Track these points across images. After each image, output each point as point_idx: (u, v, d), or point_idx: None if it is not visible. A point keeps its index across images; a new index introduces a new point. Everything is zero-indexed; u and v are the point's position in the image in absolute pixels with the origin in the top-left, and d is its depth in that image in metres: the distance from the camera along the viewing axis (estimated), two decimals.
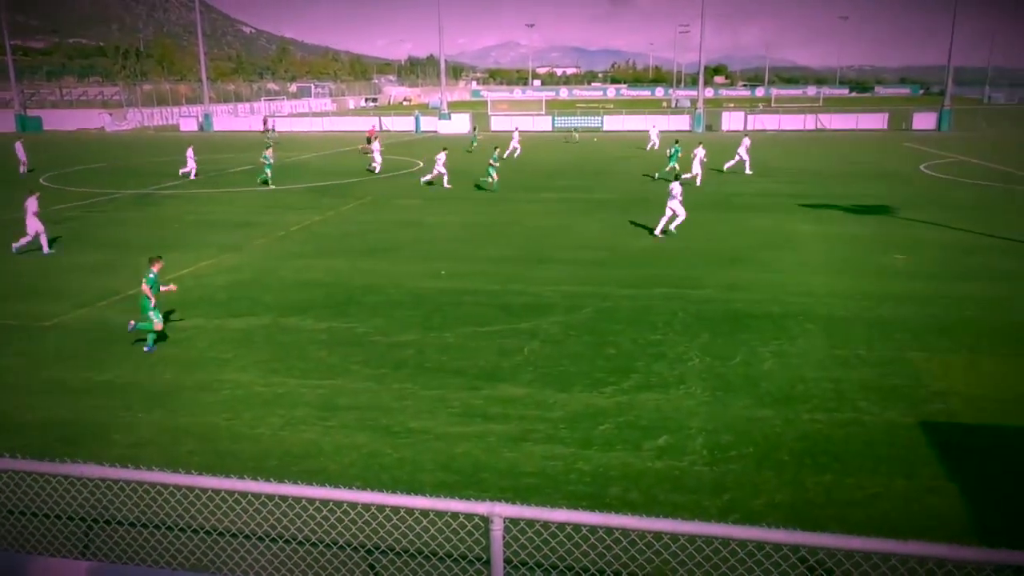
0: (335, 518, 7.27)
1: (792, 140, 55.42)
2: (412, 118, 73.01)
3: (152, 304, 12.98)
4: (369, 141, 44.37)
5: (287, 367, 12.37)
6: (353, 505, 7.25)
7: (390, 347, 13.23)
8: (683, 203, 21.88)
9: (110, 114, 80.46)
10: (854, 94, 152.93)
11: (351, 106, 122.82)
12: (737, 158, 36.21)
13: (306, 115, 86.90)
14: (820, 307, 15.08)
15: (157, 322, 13.08)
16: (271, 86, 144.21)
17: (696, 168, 32.05)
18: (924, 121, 63.88)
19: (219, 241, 22.31)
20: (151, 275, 13.03)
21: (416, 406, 10.80)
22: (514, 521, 6.83)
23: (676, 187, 21.84)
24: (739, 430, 9.86)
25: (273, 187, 33.26)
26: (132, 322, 13.37)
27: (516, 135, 46.49)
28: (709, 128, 64.61)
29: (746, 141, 36.55)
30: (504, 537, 4.44)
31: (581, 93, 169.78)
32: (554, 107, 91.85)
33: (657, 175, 34.84)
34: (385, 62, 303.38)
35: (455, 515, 7.26)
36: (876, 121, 65.69)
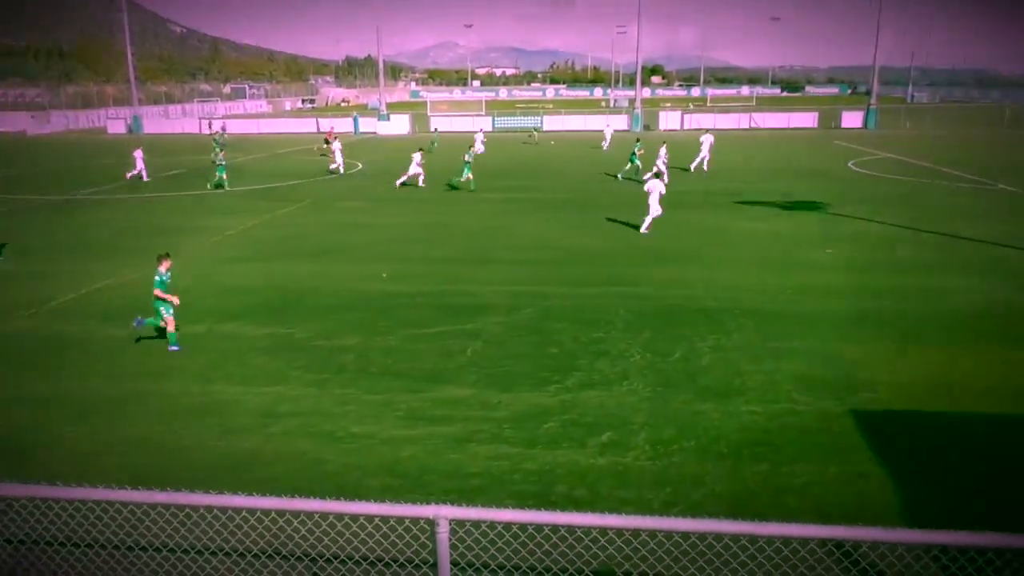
0: (277, 528, 7.18)
1: (727, 139, 56.54)
2: (351, 119, 72.26)
3: (165, 299, 13.06)
4: (327, 142, 44.12)
5: (225, 375, 12.14)
6: (296, 514, 7.17)
7: (332, 352, 13.10)
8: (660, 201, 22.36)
9: (32, 116, 77.58)
10: (786, 93, 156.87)
11: (287, 107, 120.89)
12: (700, 156, 37.06)
13: (253, 116, 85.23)
14: (755, 302, 15.47)
15: (169, 318, 13.10)
16: (204, 87, 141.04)
17: (661, 167, 32.34)
18: (852, 120, 66.03)
19: (151, 247, 21.71)
20: (159, 275, 13.02)
21: (359, 411, 10.72)
22: (460, 523, 6.86)
23: (657, 184, 22.49)
24: (680, 424, 10.06)
25: (228, 189, 32.65)
26: (139, 318, 13.34)
27: (480, 136, 46.62)
28: (647, 128, 65.55)
29: (708, 138, 37.41)
30: (451, 539, 4.45)
31: (521, 93, 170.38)
32: (494, 107, 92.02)
33: (620, 176, 35.28)
34: (322, 63, 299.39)
35: (400, 520, 7.24)
36: (807, 120, 67.62)
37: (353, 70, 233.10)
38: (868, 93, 73.65)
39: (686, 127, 65.98)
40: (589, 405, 10.73)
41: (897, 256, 19.37)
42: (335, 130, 54.63)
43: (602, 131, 52.73)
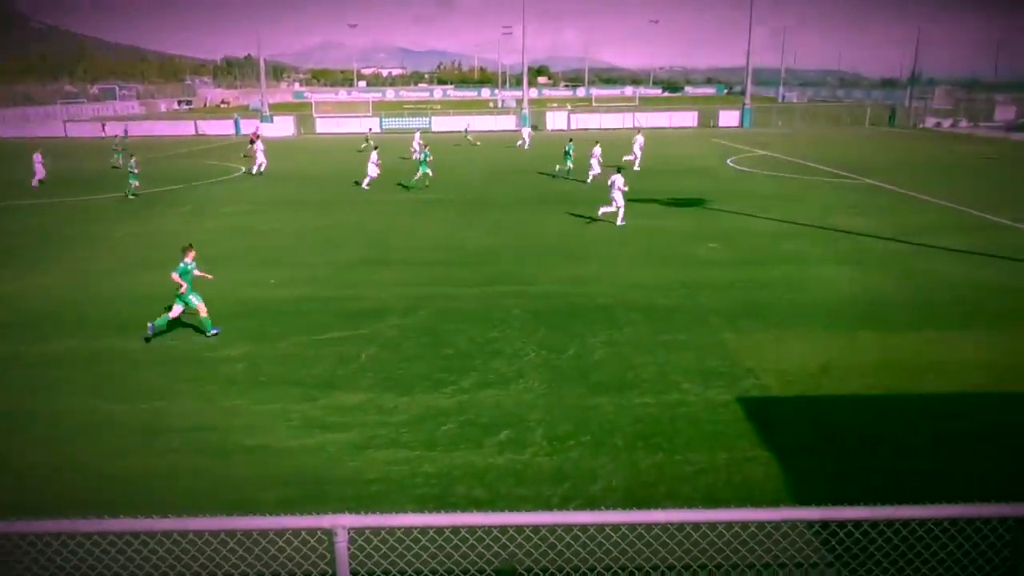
0: (164, 550, 6.85)
1: (612, 139, 57.99)
2: (231, 121, 69.81)
3: (183, 290, 13.63)
4: (252, 143, 43.43)
5: (106, 391, 11.49)
6: (184, 533, 6.86)
7: (219, 362, 12.62)
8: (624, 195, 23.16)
9: None
10: (666, 94, 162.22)
11: (163, 109, 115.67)
12: (634, 155, 38.25)
13: (124, 118, 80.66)
14: (645, 297, 15.92)
15: (199, 304, 13.80)
16: (69, 88, 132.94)
17: (595, 166, 32.82)
18: (729, 119, 69.03)
19: (22, 259, 20.33)
20: (183, 263, 13.71)
21: (251, 422, 10.37)
22: (360, 531, 6.74)
23: (619, 178, 23.21)
24: (576, 419, 10.24)
25: (131, 197, 30.77)
26: (149, 324, 13.64)
27: (418, 136, 46.02)
28: (535, 128, 66.34)
29: (639, 139, 38.89)
30: (350, 548, 4.37)
31: (408, 94, 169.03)
32: (382, 108, 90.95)
33: (557, 170, 36.08)
34: (199, 62, 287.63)
35: (297, 532, 7.04)
36: (687, 119, 70.18)
37: (232, 70, 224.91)
38: (743, 93, 77.12)
39: (573, 127, 67.18)
40: (486, 405, 10.76)
41: (775, 249, 20.36)
42: (259, 131, 53.19)
43: (519, 131, 53.26)
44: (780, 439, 9.64)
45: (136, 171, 31.70)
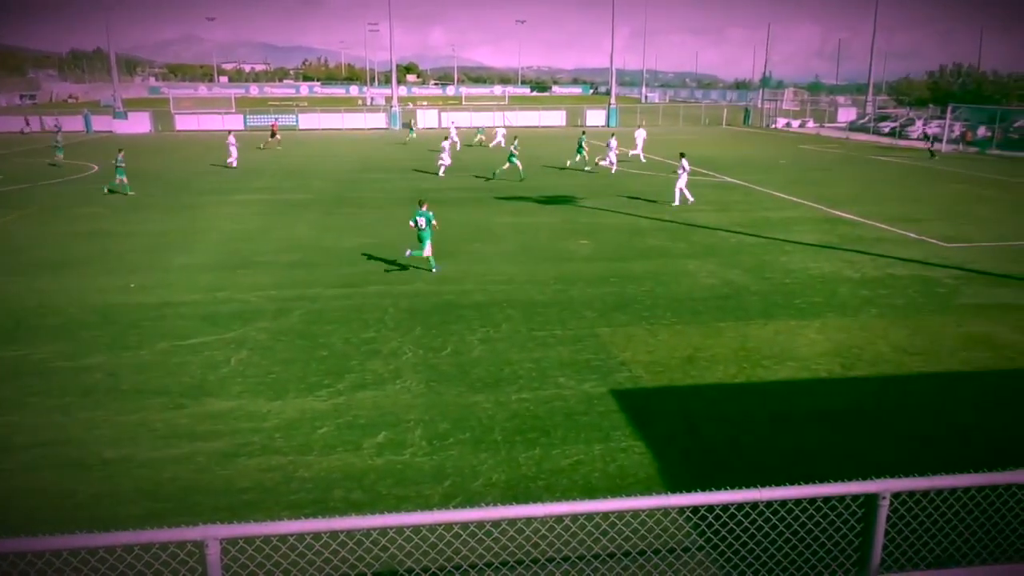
0: (18, 572, 6.34)
1: (539, 136, 58.34)
2: (81, 117, 65.33)
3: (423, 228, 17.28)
4: (273, 134, 48.46)
5: None
6: (40, 555, 6.37)
7: (76, 372, 11.79)
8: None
9: None
10: (535, 93, 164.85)
11: (3, 104, 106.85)
12: (637, 150, 40.94)
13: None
14: (520, 293, 16.13)
15: (429, 245, 17.47)
16: None
17: (612, 157, 36.35)
18: (595, 118, 70.98)
19: None
20: (422, 214, 17.29)
21: (112, 434, 9.75)
22: (233, 542, 6.48)
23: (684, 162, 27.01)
24: (455, 417, 10.24)
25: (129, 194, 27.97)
26: (408, 251, 17.52)
27: (413, 126, 44.97)
28: (406, 125, 65.83)
29: (641, 133, 41.64)
30: (223, 560, 4.19)
31: (273, 90, 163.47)
32: (245, 105, 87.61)
33: (569, 163, 38.45)
34: (43, 55, 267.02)
35: (166, 546, 6.68)
36: (556, 118, 71.56)
37: (80, 63, 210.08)
38: (608, 93, 79.46)
39: (443, 125, 67.13)
40: (363, 406, 10.59)
41: (642, 244, 21.11)
42: (277, 124, 53.99)
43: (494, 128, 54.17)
44: (652, 428, 10.01)
45: (122, 166, 29.66)
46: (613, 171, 36.30)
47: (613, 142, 37.06)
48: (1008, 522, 6.38)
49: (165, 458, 9.15)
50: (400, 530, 6.88)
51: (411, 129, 56.26)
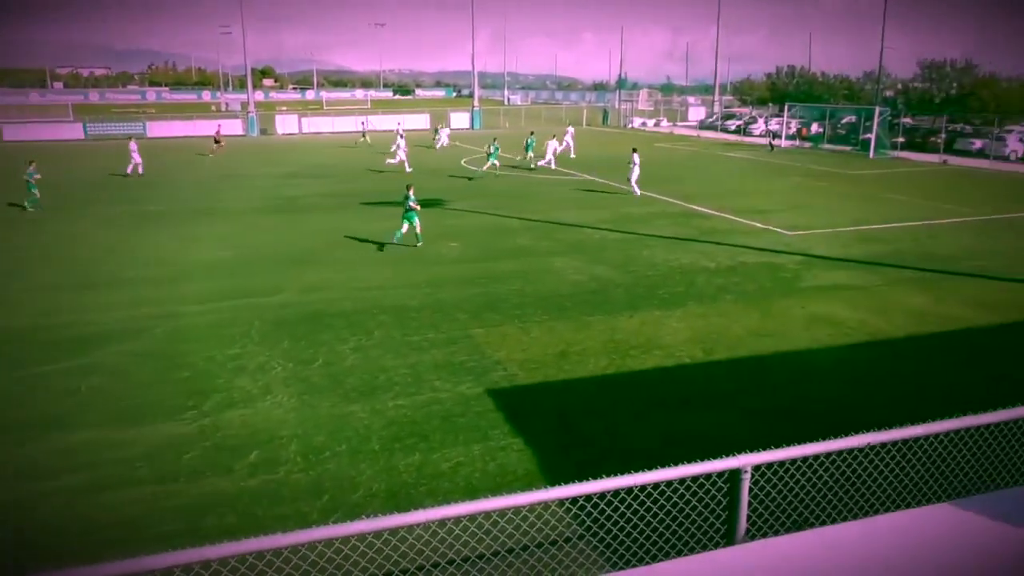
0: None
1: (345, 142, 57.37)
2: None
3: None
4: (217, 141, 47.10)
5: None
6: None
7: None
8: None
9: None
10: (398, 96, 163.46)
11: None
12: (565, 145, 42.61)
13: None
14: (391, 299, 15.97)
15: (418, 223, 20.34)
16: None
17: (557, 147, 39.45)
18: (459, 120, 71.11)
19: None
20: (409, 197, 20.07)
21: None
22: None
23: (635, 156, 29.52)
24: (330, 429, 10.02)
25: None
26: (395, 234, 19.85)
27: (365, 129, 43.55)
28: (264, 132, 63.74)
29: (570, 129, 45.26)
30: None
31: (116, 97, 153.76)
32: (85, 112, 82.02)
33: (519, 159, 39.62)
34: None
35: None
36: (420, 121, 71.18)
37: None
38: (471, 96, 79.94)
39: (304, 131, 65.51)
40: (232, 426, 10.18)
41: (510, 244, 21.38)
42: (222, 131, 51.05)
43: (434, 130, 56.68)
44: (529, 424, 10.17)
45: (36, 178, 26.71)
46: (552, 166, 38.54)
47: (553, 142, 39.33)
48: (852, 482, 6.91)
49: (12, 501, 8.45)
50: (277, 552, 6.66)
51: (363, 133, 56.49)
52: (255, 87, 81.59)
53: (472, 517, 6.78)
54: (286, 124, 66.60)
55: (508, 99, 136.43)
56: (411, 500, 8.17)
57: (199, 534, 7.73)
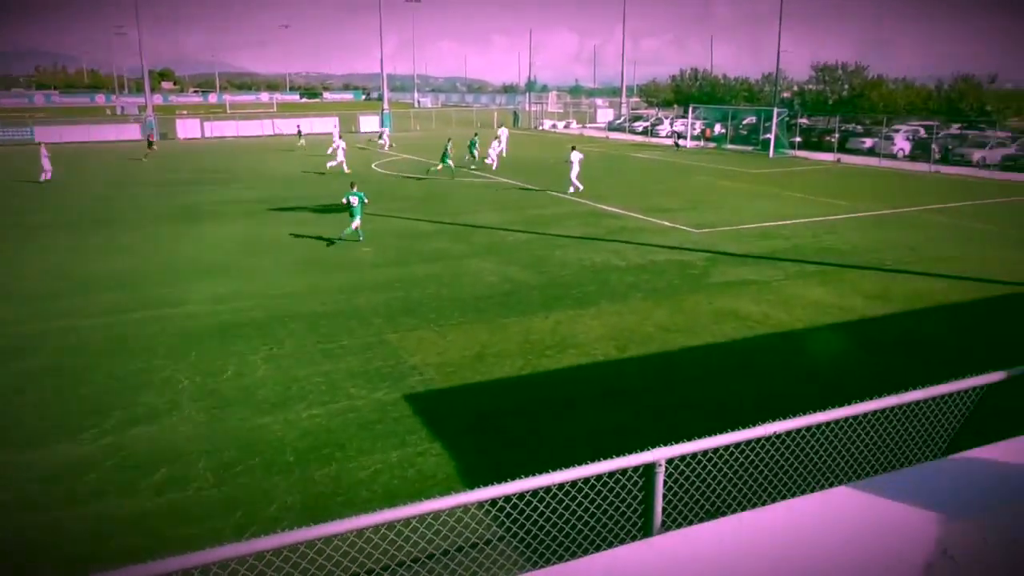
0: None
1: (251, 146, 55.94)
2: None
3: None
4: (150, 145, 47.18)
5: None
6: None
7: None
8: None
9: None
10: (305, 100, 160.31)
11: None
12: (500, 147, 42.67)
13: None
14: (302, 306, 15.63)
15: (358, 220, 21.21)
16: None
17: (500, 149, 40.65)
18: (369, 124, 70.26)
19: None
20: (355, 194, 21.05)
21: None
22: None
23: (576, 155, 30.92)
24: (242, 443, 9.74)
25: None
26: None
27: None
28: (164, 136, 61.41)
29: (504, 131, 45.29)
30: None
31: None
32: None
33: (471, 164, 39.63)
34: None
35: None
36: (329, 125, 69.90)
37: None
38: (381, 99, 79.14)
39: (207, 135, 63.49)
40: (137, 444, 9.76)
41: (423, 247, 21.26)
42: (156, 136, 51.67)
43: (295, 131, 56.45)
44: (448, 428, 10.13)
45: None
46: (494, 167, 39.53)
47: (498, 141, 40.94)
48: (760, 471, 7.17)
49: None
50: (187, 573, 6.43)
51: (299, 136, 56.41)
52: (153, 90, 78.57)
53: (391, 525, 6.69)
54: (188, 128, 64.35)
55: (418, 102, 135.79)
56: (328, 511, 8.02)
57: (103, 558, 7.40)
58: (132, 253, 20.86)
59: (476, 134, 45.25)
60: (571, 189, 30.95)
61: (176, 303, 15.95)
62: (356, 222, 21.33)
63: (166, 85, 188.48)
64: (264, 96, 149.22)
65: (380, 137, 54.88)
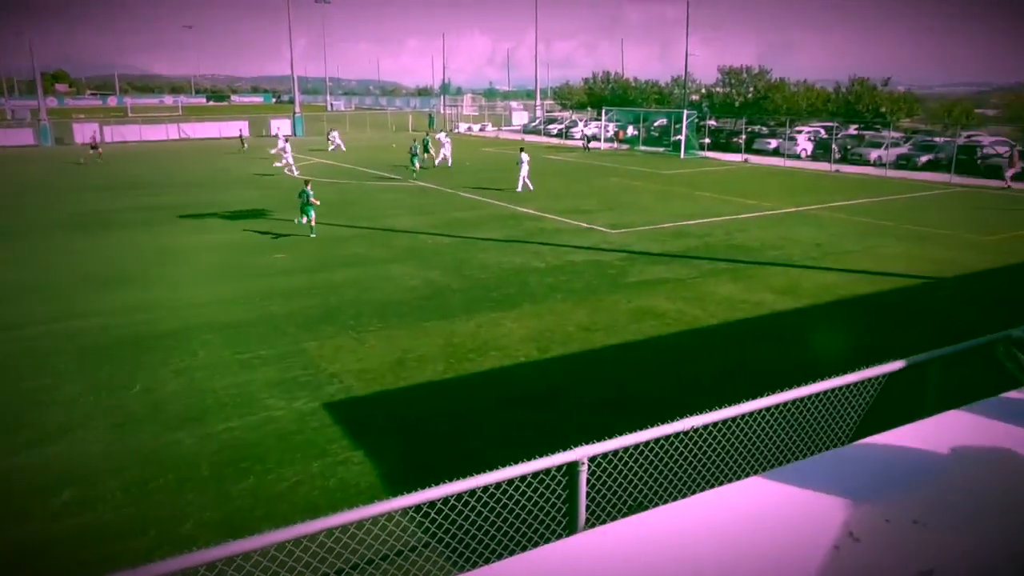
0: None
1: (156, 151, 54.01)
2: None
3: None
4: (95, 147, 46.44)
5: None
6: None
7: None
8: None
9: None
10: (212, 103, 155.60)
11: None
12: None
13: None
14: (216, 316, 15.17)
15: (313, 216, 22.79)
16: None
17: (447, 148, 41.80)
18: (281, 127, 68.70)
19: None
20: (307, 193, 22.59)
21: None
22: None
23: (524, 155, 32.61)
24: (154, 460, 9.37)
25: None
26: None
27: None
28: (60, 141, 58.61)
29: (444, 139, 43.81)
30: None
31: None
32: None
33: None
34: None
35: None
36: (235, 129, 68.11)
37: None
38: (291, 101, 77.55)
39: (108, 140, 60.87)
40: (40, 465, 9.27)
41: (340, 253, 20.93)
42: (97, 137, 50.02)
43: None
44: (369, 436, 10.00)
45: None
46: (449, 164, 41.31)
47: (444, 139, 42.67)
48: (680, 464, 7.35)
49: None
50: None
51: (243, 142, 56.59)
52: (46, 92, 74.80)
53: (313, 536, 6.56)
54: (86, 133, 61.35)
55: (331, 105, 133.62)
56: (247, 526, 7.79)
57: None
58: (35, 265, 19.81)
59: (427, 134, 46.84)
60: (519, 187, 32.79)
61: (83, 315, 15.23)
62: (307, 218, 22.86)
63: (60, 87, 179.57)
64: (168, 99, 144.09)
65: (329, 137, 53.78)
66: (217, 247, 21.79)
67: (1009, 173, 34.94)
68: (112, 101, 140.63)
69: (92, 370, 12.34)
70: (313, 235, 22.67)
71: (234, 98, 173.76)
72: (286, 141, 40.27)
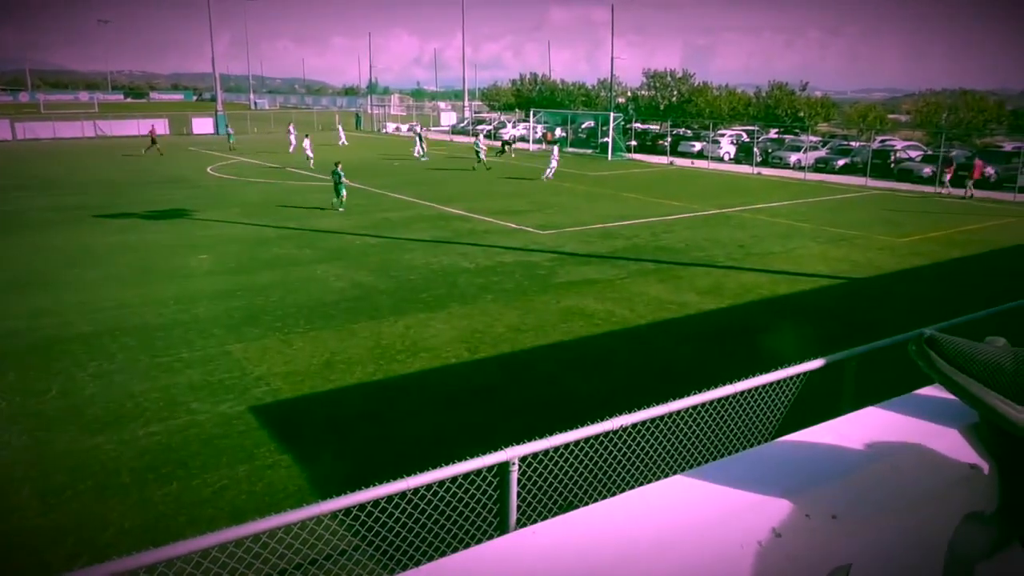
0: None
1: (72, 149, 51.92)
2: None
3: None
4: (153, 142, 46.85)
5: None
6: None
7: None
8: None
9: None
10: (130, 100, 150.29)
11: None
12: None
13: None
14: (135, 318, 14.70)
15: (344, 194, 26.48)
16: None
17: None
18: (203, 126, 66.96)
19: None
20: (339, 173, 26.46)
21: None
22: None
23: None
24: (70, 467, 9.04)
25: None
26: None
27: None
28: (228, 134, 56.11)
29: (306, 140, 42.13)
30: None
31: None
32: None
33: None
34: None
35: None
36: (158, 127, 65.93)
37: None
38: (214, 100, 75.60)
39: (19, 137, 58.18)
40: None
41: (265, 254, 20.51)
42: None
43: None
44: (298, 439, 9.86)
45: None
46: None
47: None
48: (609, 463, 7.49)
49: None
50: None
51: (230, 136, 55.62)
52: None
53: (239, 542, 6.45)
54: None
55: (255, 103, 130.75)
56: (170, 532, 7.59)
57: None
58: None
59: (419, 125, 47.33)
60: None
61: None
62: (344, 193, 26.69)
63: None
64: (83, 95, 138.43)
65: (292, 139, 50.49)
66: (137, 248, 21.10)
67: (970, 183, 35.29)
68: (24, 97, 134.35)
69: (5, 374, 11.80)
70: (341, 209, 26.44)
71: (153, 95, 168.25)
72: (307, 136, 43.08)
